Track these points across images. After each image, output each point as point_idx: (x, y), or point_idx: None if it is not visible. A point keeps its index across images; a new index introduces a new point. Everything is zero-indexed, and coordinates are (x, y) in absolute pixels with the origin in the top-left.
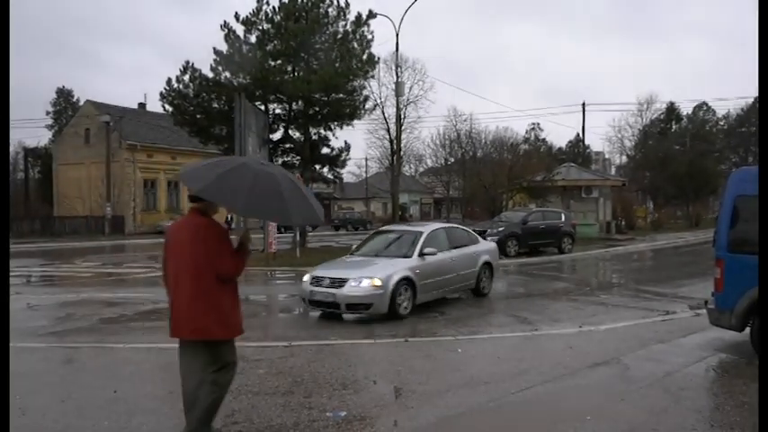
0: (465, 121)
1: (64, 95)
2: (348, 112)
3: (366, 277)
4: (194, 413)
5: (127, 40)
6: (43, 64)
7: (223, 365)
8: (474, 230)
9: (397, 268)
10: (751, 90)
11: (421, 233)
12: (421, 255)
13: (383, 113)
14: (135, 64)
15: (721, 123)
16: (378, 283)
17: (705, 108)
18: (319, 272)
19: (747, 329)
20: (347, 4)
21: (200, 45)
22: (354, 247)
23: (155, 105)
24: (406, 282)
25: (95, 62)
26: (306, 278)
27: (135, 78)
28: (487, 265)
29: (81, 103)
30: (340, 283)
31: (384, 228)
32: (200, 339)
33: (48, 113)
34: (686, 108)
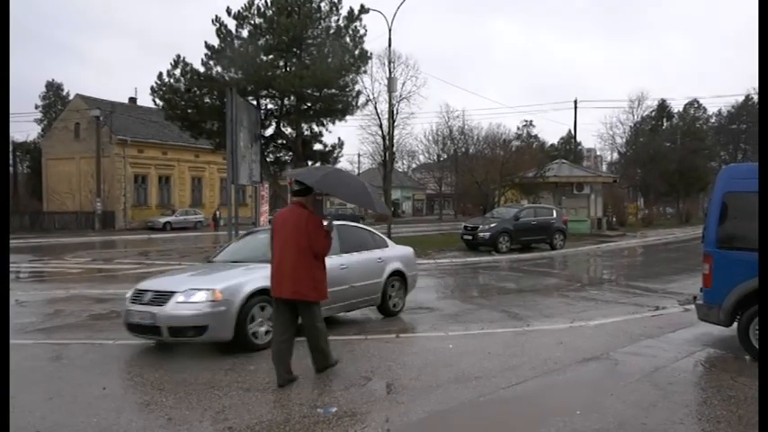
0: (457, 117)
1: (53, 89)
2: (340, 107)
3: (201, 289)
4: (318, 349)
5: (115, 34)
6: (31, 57)
7: (310, 320)
8: (466, 227)
9: (252, 277)
10: (740, 88)
11: None
12: None
13: (376, 109)
14: (124, 58)
15: (712, 121)
16: (217, 296)
17: (696, 105)
18: (146, 283)
19: (735, 325)
20: (339, 0)
21: (192, 39)
22: (218, 250)
23: (146, 100)
24: (263, 295)
25: (84, 56)
26: (129, 293)
27: (125, 73)
28: (398, 275)
29: (71, 97)
30: (163, 298)
31: (257, 228)
32: (297, 300)
33: (37, 107)
34: (677, 105)
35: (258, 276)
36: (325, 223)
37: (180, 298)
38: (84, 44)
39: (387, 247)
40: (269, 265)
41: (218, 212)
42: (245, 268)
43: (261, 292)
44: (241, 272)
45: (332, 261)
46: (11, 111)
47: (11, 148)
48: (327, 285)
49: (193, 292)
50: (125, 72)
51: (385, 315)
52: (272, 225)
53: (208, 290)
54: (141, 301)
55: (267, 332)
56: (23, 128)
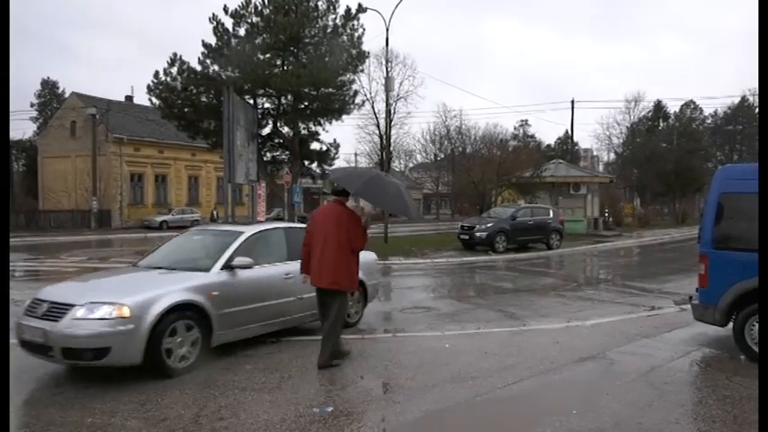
0: (455, 116)
1: (49, 87)
2: (337, 106)
3: (105, 303)
4: (331, 340)
5: (112, 32)
6: (27, 55)
7: (338, 309)
8: (463, 226)
9: (174, 288)
10: (736, 90)
11: (239, 235)
12: (228, 267)
13: (373, 109)
14: (120, 56)
15: (708, 122)
16: (123, 312)
17: (692, 106)
18: (47, 291)
19: (730, 324)
20: None
21: (189, 38)
22: (147, 254)
23: (142, 98)
24: (187, 311)
25: (80, 54)
26: (27, 302)
27: (121, 71)
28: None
29: (67, 95)
30: (59, 311)
31: (197, 228)
32: (335, 289)
33: (32, 105)
34: (673, 106)
35: (181, 288)
36: (363, 220)
37: (78, 313)
38: (80, 42)
39: None
40: (201, 274)
41: (215, 212)
42: (169, 276)
43: (183, 307)
44: (162, 281)
45: (274, 270)
46: None
47: None
48: (268, 298)
49: (95, 307)
50: (121, 70)
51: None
52: (311, 221)
53: (112, 304)
54: (35, 314)
55: (186, 355)
56: (19, 126)
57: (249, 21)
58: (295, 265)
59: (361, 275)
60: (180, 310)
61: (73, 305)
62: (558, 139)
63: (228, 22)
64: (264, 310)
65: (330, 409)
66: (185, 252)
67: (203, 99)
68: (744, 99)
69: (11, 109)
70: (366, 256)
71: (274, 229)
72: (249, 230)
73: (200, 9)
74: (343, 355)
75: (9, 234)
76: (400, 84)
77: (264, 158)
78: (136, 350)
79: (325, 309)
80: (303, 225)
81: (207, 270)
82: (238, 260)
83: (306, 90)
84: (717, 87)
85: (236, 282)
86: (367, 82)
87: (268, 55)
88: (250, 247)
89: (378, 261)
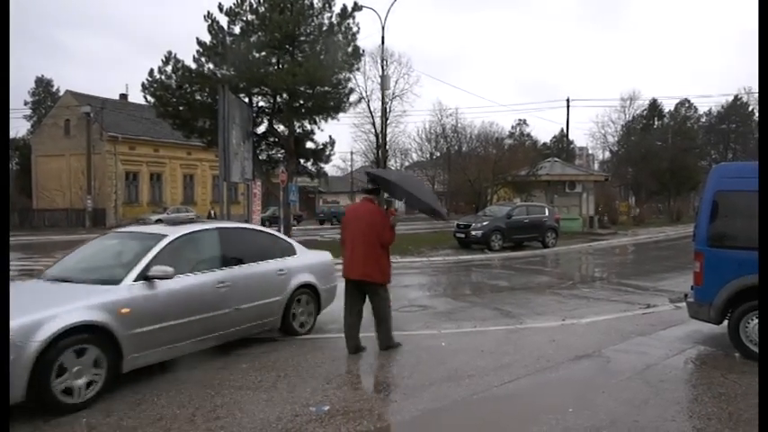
0: (450, 115)
1: (43, 85)
2: (333, 105)
3: None
4: (384, 328)
5: (107, 30)
6: (20, 53)
7: (379, 300)
8: (459, 225)
9: (70, 307)
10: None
11: (160, 239)
12: (145, 278)
13: (369, 107)
14: (115, 54)
15: (702, 120)
16: None
17: (687, 105)
18: None
19: (725, 322)
20: None
21: (184, 36)
22: (57, 260)
23: (137, 97)
24: (87, 334)
25: (74, 52)
26: None
27: (116, 69)
28: (308, 289)
29: (61, 93)
30: None
31: (117, 230)
32: (365, 281)
33: (26, 104)
34: (668, 105)
35: (81, 306)
36: (391, 218)
37: None
38: (74, 40)
39: (294, 254)
40: (109, 287)
41: (212, 211)
42: (70, 291)
43: (80, 329)
44: (58, 298)
45: (204, 279)
46: None
47: None
48: (197, 312)
49: None
50: (116, 69)
51: (287, 334)
52: (344, 217)
53: None
54: None
55: (90, 384)
56: (13, 124)
57: (244, 19)
58: (231, 272)
59: (311, 279)
60: (75, 334)
61: None
62: (554, 137)
63: (223, 21)
64: (193, 325)
65: (327, 407)
66: (98, 260)
67: (198, 97)
68: (737, 98)
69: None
70: (318, 258)
71: (206, 230)
72: (174, 233)
73: (194, 7)
74: (395, 346)
75: (9, 234)
76: (396, 82)
77: (260, 157)
78: (17, 384)
79: (354, 301)
80: (248, 225)
81: (117, 282)
82: (157, 269)
83: (301, 88)
84: (712, 86)
85: (154, 295)
86: (363, 80)
87: (263, 53)
88: (174, 252)
89: (335, 262)
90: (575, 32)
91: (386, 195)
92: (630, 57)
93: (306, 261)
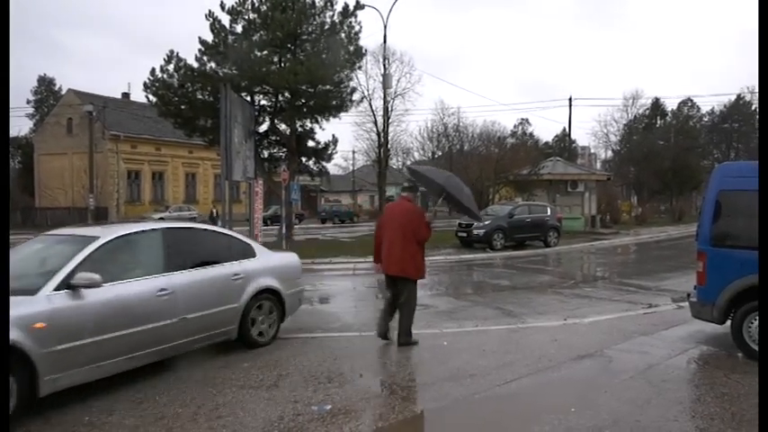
0: (452, 114)
1: (45, 84)
2: (335, 103)
3: None
4: (405, 324)
5: (109, 29)
6: (22, 52)
7: (407, 295)
8: (460, 224)
9: None
10: (733, 87)
11: (90, 241)
12: (69, 287)
13: (370, 106)
14: (117, 53)
15: (705, 120)
16: None
17: (689, 104)
18: None
19: (728, 322)
20: None
21: (186, 34)
22: None
23: (139, 95)
24: None
25: (76, 51)
26: None
27: (118, 68)
28: (270, 294)
29: (63, 92)
30: None
31: (48, 233)
32: (402, 276)
33: (28, 102)
34: (671, 104)
35: None
36: (427, 215)
37: None
38: (76, 39)
39: (254, 256)
40: (23, 299)
41: (214, 210)
42: None
43: None
44: None
45: (142, 286)
46: None
47: None
48: (133, 324)
49: None
50: (118, 67)
51: (248, 347)
52: (382, 215)
53: None
54: None
55: None
56: (15, 123)
57: (246, 18)
58: (176, 278)
59: (274, 283)
60: None
61: None
62: (556, 136)
63: (225, 19)
64: (129, 339)
65: (328, 407)
66: (21, 267)
67: (200, 96)
68: (740, 97)
69: None
70: (283, 260)
71: (147, 231)
72: (107, 235)
73: (197, 6)
74: (413, 343)
75: (9, 234)
76: (398, 81)
77: (262, 156)
78: None
79: (395, 291)
80: (200, 226)
81: (33, 293)
82: (81, 277)
83: (303, 87)
84: (714, 85)
85: (78, 306)
86: (364, 79)
87: (265, 52)
88: (107, 257)
89: (302, 264)
90: (573, 31)
91: (422, 188)
92: (633, 56)
93: (267, 264)
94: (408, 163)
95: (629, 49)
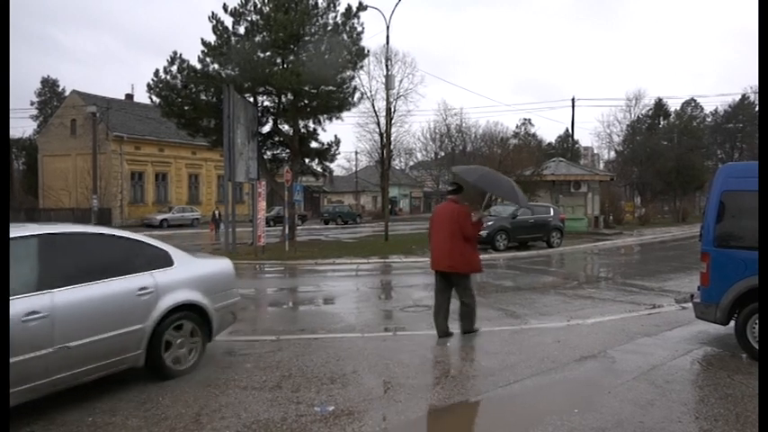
0: (455, 115)
1: (49, 85)
2: (337, 104)
3: None
4: (466, 318)
5: (113, 31)
6: (26, 53)
7: (462, 289)
8: None
9: None
10: (737, 87)
11: None
12: None
13: (373, 107)
14: (121, 54)
15: (708, 120)
16: None
17: (693, 104)
18: None
19: (732, 323)
20: None
21: (190, 36)
22: None
23: (142, 96)
24: None
25: (80, 52)
26: None
27: (122, 69)
28: (191, 310)
29: (67, 93)
30: None
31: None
32: (451, 272)
33: (32, 104)
34: (674, 104)
35: None
36: (473, 214)
37: None
38: (80, 40)
39: (170, 265)
40: None
41: (217, 212)
42: None
43: None
44: None
45: (13, 307)
46: None
47: None
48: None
49: None
50: (122, 69)
51: (159, 377)
52: (432, 216)
53: None
54: None
55: None
56: (19, 124)
57: (249, 19)
58: (53, 297)
59: (197, 296)
60: None
61: None
62: (559, 137)
63: (228, 21)
64: None
65: (331, 408)
66: None
67: (203, 97)
68: (744, 97)
69: (11, 107)
70: (211, 267)
71: (17, 239)
72: None
73: (200, 8)
74: (475, 331)
75: (9, 235)
76: (400, 82)
77: (265, 156)
78: None
79: (440, 288)
80: (94, 229)
81: None
82: None
83: (306, 88)
84: (718, 85)
85: None
86: (367, 80)
87: (268, 53)
88: None
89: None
90: (576, 31)
91: (476, 186)
92: (636, 56)
93: (189, 273)
94: (411, 164)
95: (632, 49)
